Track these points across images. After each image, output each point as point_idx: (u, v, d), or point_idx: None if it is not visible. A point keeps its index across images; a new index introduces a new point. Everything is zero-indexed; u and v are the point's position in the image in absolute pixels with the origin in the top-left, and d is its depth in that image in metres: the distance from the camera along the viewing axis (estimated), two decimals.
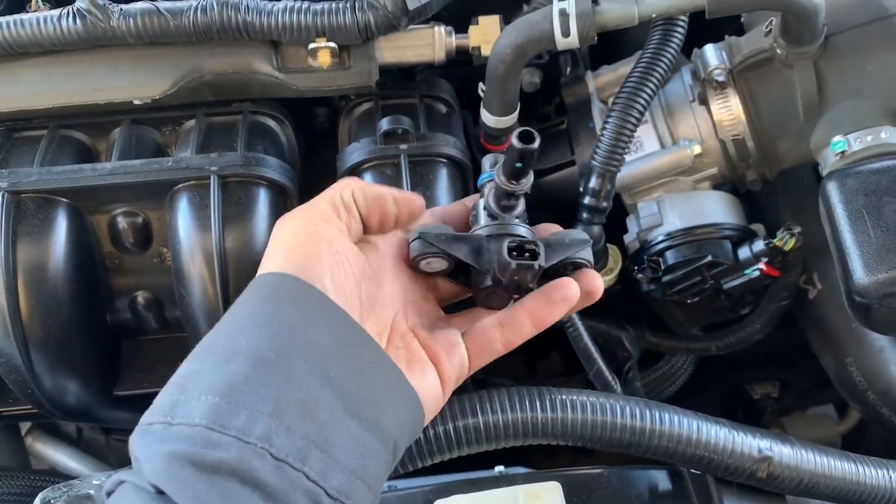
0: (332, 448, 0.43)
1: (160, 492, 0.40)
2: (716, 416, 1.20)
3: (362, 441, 0.44)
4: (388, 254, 0.55)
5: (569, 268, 0.55)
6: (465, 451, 0.56)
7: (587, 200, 0.70)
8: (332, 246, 0.50)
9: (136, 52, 0.69)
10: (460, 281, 0.56)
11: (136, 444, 0.43)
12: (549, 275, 0.54)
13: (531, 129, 0.48)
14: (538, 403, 0.56)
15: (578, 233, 0.56)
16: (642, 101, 0.68)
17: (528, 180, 0.51)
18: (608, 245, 0.77)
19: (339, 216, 0.52)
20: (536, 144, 0.48)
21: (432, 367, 0.53)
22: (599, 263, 0.76)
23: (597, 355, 0.75)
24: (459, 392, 0.56)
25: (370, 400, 0.46)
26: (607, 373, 0.75)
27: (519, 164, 0.50)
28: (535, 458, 0.98)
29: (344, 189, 0.53)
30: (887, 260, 0.61)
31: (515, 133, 0.48)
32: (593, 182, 0.69)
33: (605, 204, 0.70)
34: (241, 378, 0.43)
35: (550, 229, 0.58)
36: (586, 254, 0.55)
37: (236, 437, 0.41)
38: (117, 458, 1.06)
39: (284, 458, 0.41)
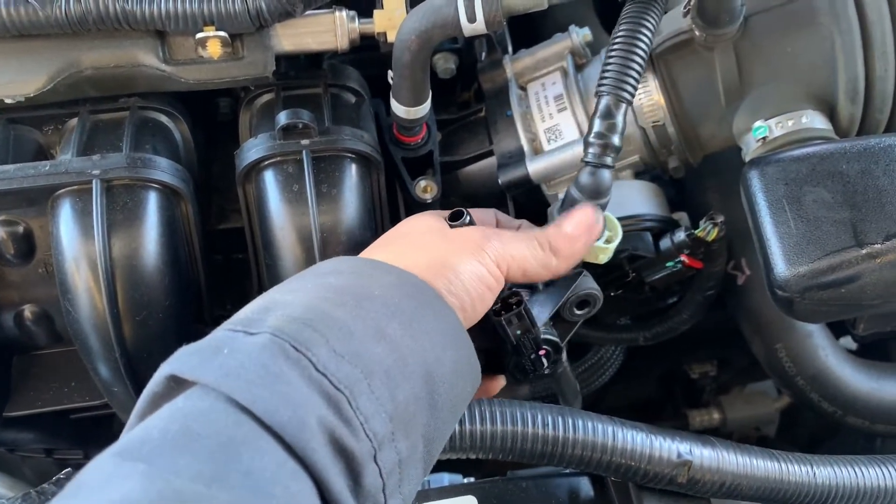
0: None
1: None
2: (653, 398, 1.21)
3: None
4: None
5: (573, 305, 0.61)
6: None
7: (597, 126, 0.58)
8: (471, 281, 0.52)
9: (5, 46, 0.63)
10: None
11: None
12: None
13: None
14: None
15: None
16: (654, 12, 0.59)
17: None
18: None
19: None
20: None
21: None
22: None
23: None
24: None
25: (442, 436, 0.48)
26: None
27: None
28: (462, 464, 0.96)
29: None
30: (808, 252, 0.59)
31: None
32: (603, 105, 0.58)
33: (616, 140, 0.58)
34: (381, 366, 0.43)
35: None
36: (586, 283, 0.61)
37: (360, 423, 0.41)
38: (34, 471, 1.00)
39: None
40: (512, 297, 0.57)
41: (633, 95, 0.58)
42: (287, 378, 0.39)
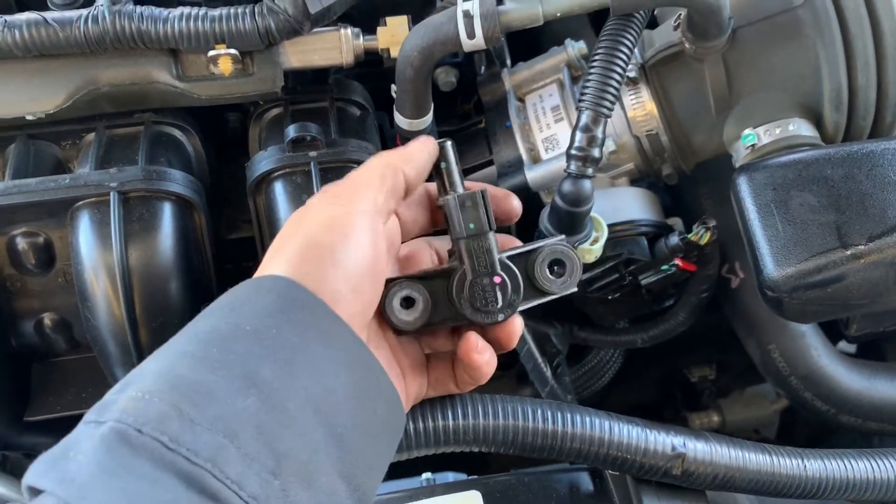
0: None
1: None
2: (653, 401, 1.23)
3: None
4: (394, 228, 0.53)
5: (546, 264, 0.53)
6: None
7: (578, 140, 0.61)
8: (361, 246, 0.46)
9: (27, 66, 0.66)
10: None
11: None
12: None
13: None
14: (449, 411, 0.55)
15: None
16: (633, 31, 0.62)
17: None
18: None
19: (378, 207, 0.49)
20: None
21: (401, 381, 0.51)
22: (585, 232, 0.67)
23: (527, 336, 0.75)
24: None
25: (368, 465, 0.43)
26: (537, 355, 0.76)
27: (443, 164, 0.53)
28: (466, 462, 0.98)
29: (388, 171, 0.50)
30: (795, 254, 0.62)
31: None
32: (583, 120, 0.61)
33: (596, 152, 0.62)
34: (250, 422, 0.39)
35: (511, 243, 0.56)
36: (560, 244, 0.53)
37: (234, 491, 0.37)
38: None
39: None
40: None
41: (611, 110, 0.61)
42: (130, 469, 0.36)
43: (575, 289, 0.54)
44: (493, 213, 0.53)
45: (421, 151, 0.53)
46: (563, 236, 0.54)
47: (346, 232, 0.46)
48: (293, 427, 0.39)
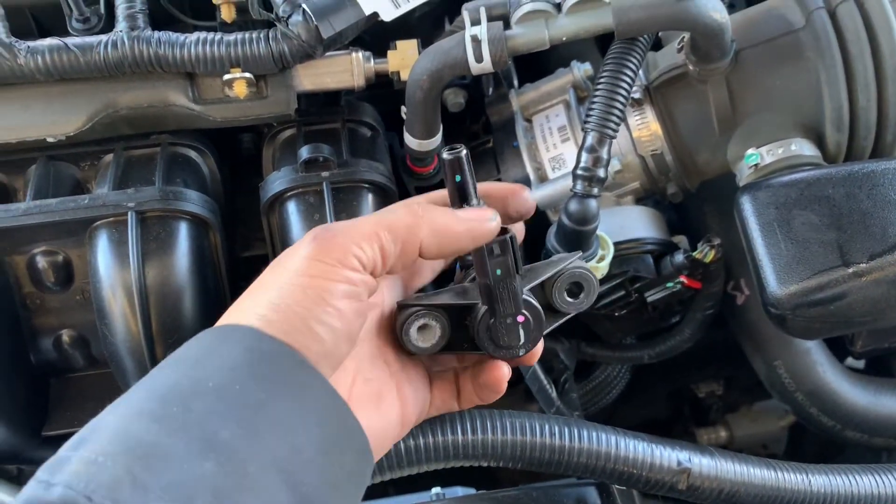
0: None
1: None
2: (662, 417, 1.23)
3: None
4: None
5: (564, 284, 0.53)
6: (386, 476, 0.56)
7: (583, 161, 0.63)
8: (339, 302, 0.44)
9: (48, 90, 0.68)
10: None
11: None
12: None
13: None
14: (459, 426, 0.56)
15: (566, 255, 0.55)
16: (637, 53, 0.64)
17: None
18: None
19: (362, 267, 0.45)
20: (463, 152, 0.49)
21: (398, 403, 0.51)
22: (591, 250, 0.68)
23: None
24: None
25: None
26: (542, 376, 0.77)
27: (458, 178, 0.50)
28: (476, 478, 0.99)
29: (401, 234, 0.47)
30: (797, 271, 0.63)
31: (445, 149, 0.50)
32: (589, 141, 0.63)
33: (601, 172, 0.63)
34: (206, 488, 0.37)
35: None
36: (579, 264, 0.53)
37: None
38: None
39: None
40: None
41: (615, 131, 0.63)
42: None
43: (590, 304, 0.54)
44: (505, 211, 0.53)
45: (461, 230, 0.48)
46: (579, 253, 0.56)
47: (323, 296, 0.44)
48: (253, 490, 0.38)
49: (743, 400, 1.20)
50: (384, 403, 0.50)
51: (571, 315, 0.54)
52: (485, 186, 0.54)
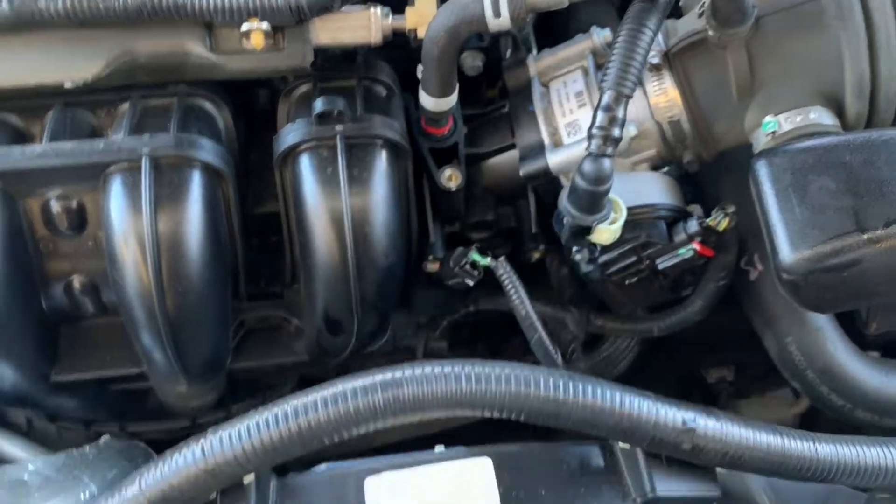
0: None
1: None
2: None
3: None
4: None
5: None
6: (389, 421, 0.56)
7: (599, 120, 0.62)
8: None
9: (69, 34, 0.69)
10: None
11: None
12: None
13: None
14: (463, 376, 0.56)
15: None
16: (656, 14, 0.63)
17: None
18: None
19: None
20: None
21: None
22: (604, 213, 0.68)
23: (538, 324, 0.76)
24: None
25: None
26: (548, 342, 0.76)
27: None
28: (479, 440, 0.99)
29: None
30: (811, 236, 0.62)
31: None
32: (605, 100, 0.62)
33: (616, 132, 0.62)
34: None
35: None
36: None
37: None
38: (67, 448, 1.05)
39: None
40: None
41: (632, 90, 0.62)
42: None
43: None
44: None
45: None
46: None
47: None
48: None
49: (754, 388, 1.19)
50: None
51: None
52: None
